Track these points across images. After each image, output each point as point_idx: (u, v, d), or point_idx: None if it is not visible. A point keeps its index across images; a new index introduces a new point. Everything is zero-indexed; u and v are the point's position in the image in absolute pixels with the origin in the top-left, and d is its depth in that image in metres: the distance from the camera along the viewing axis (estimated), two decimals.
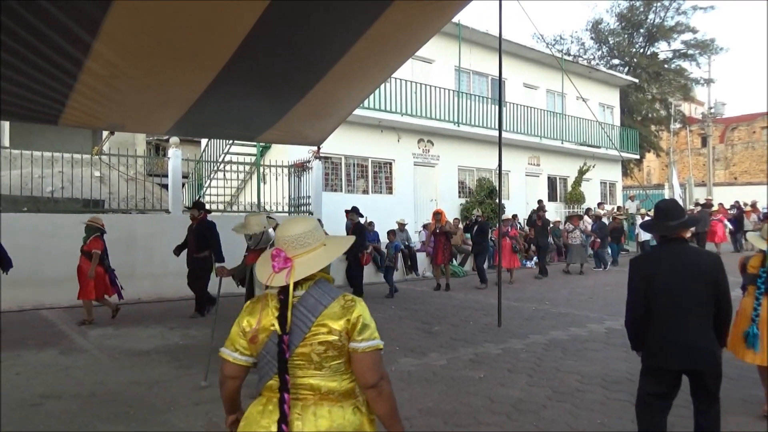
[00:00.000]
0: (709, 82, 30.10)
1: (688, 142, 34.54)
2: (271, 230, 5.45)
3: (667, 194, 24.52)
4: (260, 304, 1.91)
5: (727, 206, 21.73)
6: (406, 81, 15.26)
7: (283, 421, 1.77)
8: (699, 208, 19.31)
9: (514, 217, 14.84)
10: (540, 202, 18.41)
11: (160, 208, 10.94)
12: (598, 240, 15.14)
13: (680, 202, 22.05)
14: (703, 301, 3.14)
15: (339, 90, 6.68)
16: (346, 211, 10.75)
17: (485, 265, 12.65)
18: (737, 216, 19.55)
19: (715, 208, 19.30)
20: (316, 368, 1.83)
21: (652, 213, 16.91)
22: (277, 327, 1.82)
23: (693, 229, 17.79)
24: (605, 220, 17.42)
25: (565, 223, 14.81)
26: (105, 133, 15.59)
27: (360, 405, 1.89)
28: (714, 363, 3.16)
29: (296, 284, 1.86)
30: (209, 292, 8.20)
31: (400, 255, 12.36)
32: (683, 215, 3.40)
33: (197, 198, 14.67)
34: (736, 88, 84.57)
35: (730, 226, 18.79)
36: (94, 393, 4.85)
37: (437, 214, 11.78)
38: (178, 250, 8.31)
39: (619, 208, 20.59)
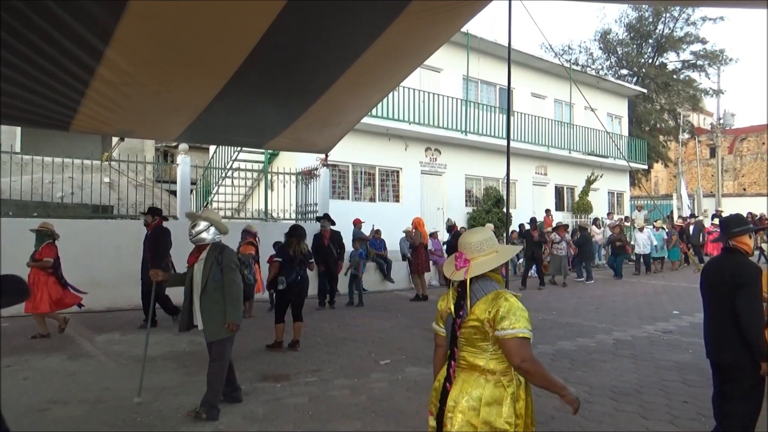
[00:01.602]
0: (718, 92, 30.03)
1: (697, 152, 34.38)
2: (212, 229, 4.68)
3: (675, 205, 24.41)
4: (448, 293, 2.49)
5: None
6: (414, 90, 15.30)
7: (448, 380, 2.38)
8: (693, 219, 19.18)
9: (521, 226, 14.82)
10: (548, 211, 18.42)
11: (168, 214, 10.97)
12: (574, 249, 14.56)
13: (688, 212, 22.01)
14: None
15: (347, 98, 6.70)
16: (335, 220, 10.49)
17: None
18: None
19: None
20: (470, 345, 2.35)
21: (656, 224, 16.90)
22: (452, 311, 2.38)
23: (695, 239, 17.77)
24: (596, 230, 17.37)
25: (551, 233, 14.42)
26: (115, 140, 15.79)
27: (505, 382, 2.32)
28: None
29: (472, 281, 2.36)
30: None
31: (407, 263, 12.31)
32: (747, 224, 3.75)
33: (205, 204, 14.75)
34: (745, 99, 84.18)
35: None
36: (101, 399, 4.85)
37: (417, 224, 11.63)
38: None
39: (626, 218, 20.45)
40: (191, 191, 12.91)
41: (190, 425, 4.28)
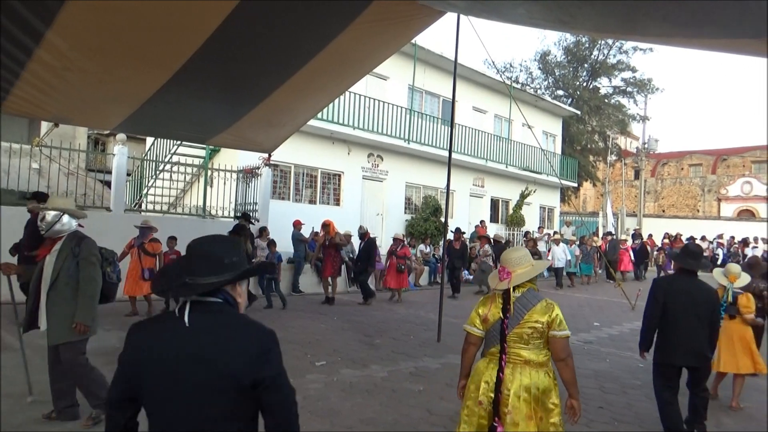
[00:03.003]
0: (644, 118, 31.86)
1: (623, 173, 36.34)
2: (66, 217, 4.16)
3: (600, 222, 25.69)
4: (491, 300, 3.05)
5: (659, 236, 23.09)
6: (360, 95, 15.44)
7: (501, 371, 2.88)
8: (610, 237, 20.02)
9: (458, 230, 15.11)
10: (482, 222, 18.95)
11: (101, 205, 10.57)
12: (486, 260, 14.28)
13: (612, 230, 23.25)
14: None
15: (295, 100, 6.73)
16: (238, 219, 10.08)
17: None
18: (641, 247, 20.43)
19: (623, 238, 20.39)
20: (525, 344, 2.90)
21: (571, 239, 17.58)
22: (500, 314, 2.92)
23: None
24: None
25: (471, 243, 14.59)
26: (45, 124, 14.99)
27: (549, 372, 2.94)
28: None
29: (513, 289, 2.95)
30: None
31: (344, 267, 12.37)
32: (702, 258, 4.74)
33: (139, 198, 14.28)
34: (668, 126, 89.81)
35: (632, 256, 19.68)
36: (25, 393, 4.65)
37: (326, 226, 11.39)
38: (15, 250, 7.16)
39: (555, 232, 21.38)
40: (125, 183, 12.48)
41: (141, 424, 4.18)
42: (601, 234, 21.82)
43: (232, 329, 1.66)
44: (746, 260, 10.57)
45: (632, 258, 19.30)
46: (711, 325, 4.42)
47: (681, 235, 23.41)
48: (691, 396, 4.63)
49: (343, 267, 12.33)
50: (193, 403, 1.60)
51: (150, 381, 1.63)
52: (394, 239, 12.63)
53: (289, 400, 1.69)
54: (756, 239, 23.19)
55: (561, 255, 16.34)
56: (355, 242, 12.51)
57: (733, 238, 24.72)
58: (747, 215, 36.03)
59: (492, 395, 2.88)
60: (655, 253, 21.42)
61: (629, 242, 20.34)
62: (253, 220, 10.66)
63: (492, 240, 14.87)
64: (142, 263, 8.54)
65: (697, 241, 21.99)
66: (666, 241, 22.23)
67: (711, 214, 37.25)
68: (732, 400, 5.54)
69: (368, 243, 11.56)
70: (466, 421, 3.03)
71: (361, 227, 12.30)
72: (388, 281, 12.18)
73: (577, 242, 17.91)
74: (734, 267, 5.56)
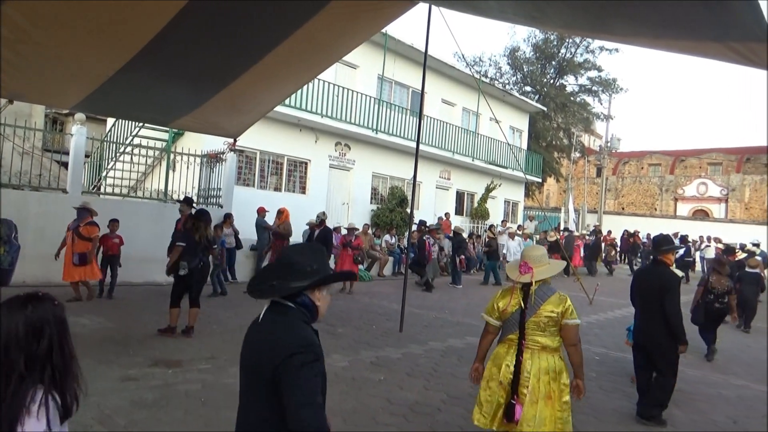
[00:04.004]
0: (608, 117, 32.52)
1: (585, 171, 37.16)
2: None
3: (563, 217, 26.23)
4: (509, 292, 3.45)
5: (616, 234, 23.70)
6: (329, 83, 15.29)
7: (520, 354, 3.30)
8: (566, 233, 20.37)
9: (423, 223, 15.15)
10: (447, 214, 19.12)
11: (57, 187, 10.19)
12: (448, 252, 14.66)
13: (573, 226, 23.77)
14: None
15: (261, 86, 6.61)
16: (182, 202, 9.18)
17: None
18: (594, 243, 20.93)
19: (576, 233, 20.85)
20: (541, 331, 3.33)
21: (525, 233, 17.92)
22: (521, 305, 3.34)
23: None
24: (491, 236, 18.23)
25: (425, 236, 14.21)
26: None
27: (561, 356, 3.38)
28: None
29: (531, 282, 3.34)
30: None
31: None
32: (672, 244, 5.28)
33: (98, 180, 13.87)
34: (630, 125, 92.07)
35: (582, 252, 20.15)
36: None
37: (279, 213, 11.18)
38: None
39: (519, 226, 21.71)
40: (84, 164, 12.08)
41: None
42: (561, 228, 22.27)
43: (279, 330, 1.86)
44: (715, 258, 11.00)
45: (582, 253, 19.77)
46: (663, 310, 4.82)
47: (638, 232, 24.07)
48: (654, 380, 5.08)
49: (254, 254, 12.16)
50: (245, 387, 1.92)
51: (240, 359, 1.97)
52: (348, 230, 12.42)
53: (297, 402, 1.74)
54: (709, 239, 24.04)
55: (516, 249, 16.42)
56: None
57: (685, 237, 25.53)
58: (701, 215, 37.31)
59: (511, 377, 3.30)
60: (605, 248, 21.97)
61: (588, 238, 20.83)
62: (196, 205, 10.32)
63: (453, 232, 15.05)
64: (74, 247, 8.09)
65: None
66: (605, 235, 23.00)
67: (668, 213, 38.43)
68: None
69: (325, 231, 11.06)
70: (488, 400, 3.41)
71: (320, 214, 11.43)
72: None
73: (535, 237, 18.19)
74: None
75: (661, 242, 5.20)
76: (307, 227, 12.08)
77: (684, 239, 20.67)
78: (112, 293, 8.82)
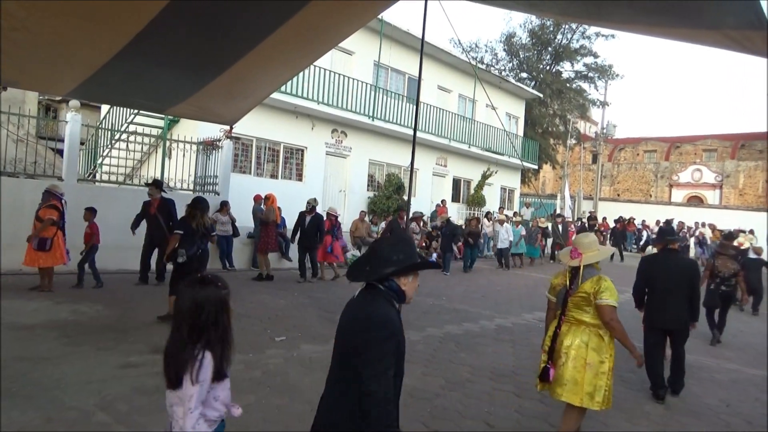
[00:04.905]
0: (604, 104, 32.50)
1: (581, 157, 37.16)
2: None
3: (559, 204, 26.29)
4: (561, 273, 4.00)
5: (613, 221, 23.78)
6: (325, 70, 15.21)
7: (558, 327, 3.84)
8: (560, 218, 20.44)
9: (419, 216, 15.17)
10: (443, 201, 19.15)
11: (52, 174, 10.15)
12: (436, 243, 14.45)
13: (569, 212, 23.84)
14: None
15: (257, 72, 6.57)
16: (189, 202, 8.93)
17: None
18: (581, 229, 20.76)
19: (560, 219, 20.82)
20: (578, 308, 3.78)
21: (515, 219, 17.90)
22: (567, 284, 3.85)
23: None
24: (486, 223, 18.26)
25: (410, 223, 14.29)
26: None
27: (601, 333, 3.75)
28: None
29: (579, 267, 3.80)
30: None
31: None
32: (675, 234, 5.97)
33: (93, 167, 13.81)
34: (626, 112, 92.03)
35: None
36: None
37: (266, 199, 11.13)
38: None
39: (515, 213, 21.76)
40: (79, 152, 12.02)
41: (73, 396, 4.10)
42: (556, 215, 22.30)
43: (364, 308, 2.12)
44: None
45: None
46: (690, 293, 5.37)
47: (634, 219, 24.20)
48: (673, 358, 5.53)
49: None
50: (334, 359, 2.18)
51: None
52: (329, 214, 11.93)
53: (368, 375, 1.97)
54: (703, 224, 24.18)
55: (504, 235, 16.50)
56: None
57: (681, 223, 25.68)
58: (696, 201, 37.48)
59: (549, 344, 3.83)
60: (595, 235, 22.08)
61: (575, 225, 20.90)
62: (194, 193, 10.32)
63: (447, 220, 15.09)
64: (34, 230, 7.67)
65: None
66: (600, 222, 23.11)
67: (663, 199, 38.56)
68: None
69: (316, 218, 11.00)
70: (539, 366, 3.95)
71: (311, 200, 11.19)
72: (325, 256, 11.63)
73: (526, 223, 18.17)
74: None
75: (666, 233, 5.84)
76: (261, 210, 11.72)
77: (679, 226, 20.81)
78: (82, 283, 8.35)
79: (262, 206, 11.93)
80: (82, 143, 12.12)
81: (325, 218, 11.43)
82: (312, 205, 11.05)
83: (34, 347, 5.18)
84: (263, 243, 10.85)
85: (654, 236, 21.91)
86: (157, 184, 9.17)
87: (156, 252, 9.13)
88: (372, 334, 2.01)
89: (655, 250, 6.33)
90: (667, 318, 5.44)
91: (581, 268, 3.77)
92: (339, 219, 12.39)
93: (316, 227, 10.92)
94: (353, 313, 2.15)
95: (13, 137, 9.47)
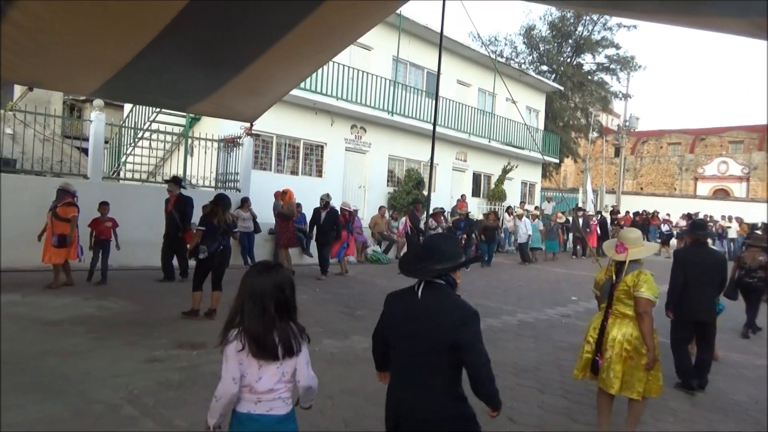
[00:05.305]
0: (626, 96, 31.96)
1: (603, 151, 36.66)
2: None
3: (581, 198, 25.98)
4: (605, 268, 4.10)
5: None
6: (344, 66, 15.23)
7: (605, 320, 3.95)
8: (580, 212, 20.02)
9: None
10: (463, 196, 19.04)
11: (78, 172, 10.34)
12: (464, 237, 14.08)
13: (591, 206, 23.52)
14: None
15: (277, 69, 6.61)
16: (170, 182, 9.27)
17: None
18: (602, 222, 20.38)
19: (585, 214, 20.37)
20: (619, 301, 3.90)
21: (533, 213, 17.63)
22: (612, 278, 3.96)
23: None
24: (507, 217, 18.07)
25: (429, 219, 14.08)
26: (18, 89, 14.54)
27: (636, 325, 3.85)
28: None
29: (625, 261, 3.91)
30: None
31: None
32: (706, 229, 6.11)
33: (117, 166, 14.03)
34: (649, 104, 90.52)
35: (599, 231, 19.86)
36: (6, 362, 4.61)
37: (283, 194, 11.02)
38: None
39: (536, 208, 21.56)
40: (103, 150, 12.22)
41: (101, 390, 4.19)
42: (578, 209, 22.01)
43: (445, 303, 2.35)
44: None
45: (599, 233, 19.41)
46: (720, 286, 5.53)
47: (658, 212, 23.80)
48: (701, 351, 5.60)
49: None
50: (417, 348, 2.33)
51: (394, 328, 2.45)
52: (343, 209, 11.89)
53: (481, 361, 2.28)
54: (729, 218, 23.70)
55: (523, 230, 16.32)
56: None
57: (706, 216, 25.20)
58: (722, 194, 36.73)
59: (595, 336, 3.98)
60: (611, 228, 21.68)
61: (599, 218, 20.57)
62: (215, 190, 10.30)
63: (466, 215, 14.95)
64: (54, 228, 7.85)
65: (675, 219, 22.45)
66: (622, 216, 22.67)
67: (687, 193, 37.88)
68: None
69: (332, 213, 10.93)
70: (580, 357, 4.10)
71: (324, 196, 11.18)
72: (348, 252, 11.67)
73: (541, 217, 17.93)
74: None
75: (698, 227, 5.96)
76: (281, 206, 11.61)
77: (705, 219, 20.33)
78: (106, 278, 8.42)
79: (280, 202, 12.01)
80: (106, 142, 12.33)
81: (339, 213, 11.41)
82: (326, 200, 11.03)
83: (62, 342, 5.29)
84: (282, 238, 10.87)
85: (678, 231, 21.58)
86: (176, 181, 9.23)
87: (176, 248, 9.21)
88: (473, 326, 2.29)
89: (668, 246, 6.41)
90: (698, 310, 5.48)
91: (627, 262, 3.88)
92: (356, 213, 12.37)
93: (331, 223, 10.88)
94: (434, 309, 2.32)
95: (39, 137, 9.65)
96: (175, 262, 9.22)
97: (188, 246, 8.67)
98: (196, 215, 8.89)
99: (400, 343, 2.41)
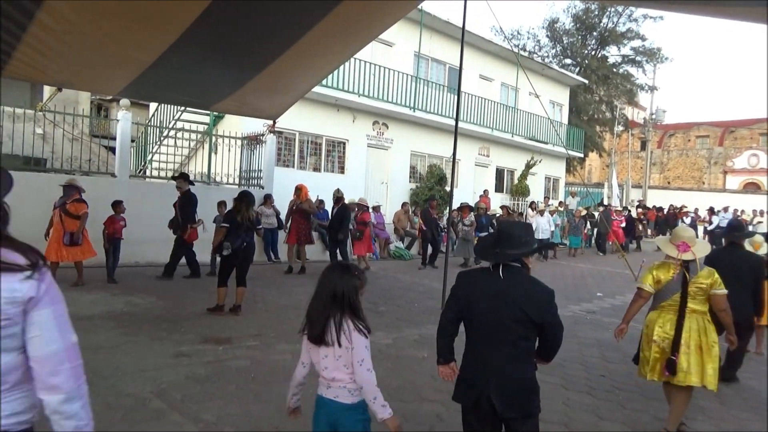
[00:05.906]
0: (652, 89, 31.39)
1: (629, 144, 36.08)
2: None
3: (606, 193, 25.62)
4: (665, 266, 4.12)
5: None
6: (365, 62, 15.22)
7: (681, 318, 3.97)
8: (602, 208, 19.57)
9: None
10: (486, 192, 18.93)
11: (105, 171, 10.55)
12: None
13: (617, 201, 23.16)
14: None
15: (299, 67, 6.63)
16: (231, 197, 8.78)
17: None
18: (629, 218, 20.16)
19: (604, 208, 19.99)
20: (692, 298, 4.00)
21: (551, 209, 17.31)
22: (685, 276, 3.98)
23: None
24: (531, 213, 17.85)
25: (453, 213, 13.10)
26: (47, 89, 14.89)
27: (707, 318, 4.07)
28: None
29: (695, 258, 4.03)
30: None
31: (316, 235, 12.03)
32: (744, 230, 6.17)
33: (144, 164, 14.27)
34: (676, 96, 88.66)
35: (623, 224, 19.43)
36: None
37: (298, 190, 10.82)
38: None
39: (560, 203, 21.32)
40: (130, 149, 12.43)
41: (130, 384, 4.27)
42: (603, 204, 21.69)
43: (528, 285, 2.63)
44: None
45: (623, 229, 18.96)
46: (755, 287, 5.45)
47: (685, 206, 23.33)
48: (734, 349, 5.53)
49: (316, 235, 12.03)
50: (502, 322, 2.56)
51: (476, 303, 2.64)
52: (359, 206, 11.81)
53: (560, 333, 2.68)
54: (761, 212, 23.11)
55: (545, 226, 16.03)
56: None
57: (735, 210, 24.63)
58: (753, 188, 35.82)
59: (665, 336, 4.03)
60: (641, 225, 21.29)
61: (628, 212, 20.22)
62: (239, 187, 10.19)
63: (485, 210, 14.72)
64: (65, 226, 7.69)
65: (703, 213, 21.98)
66: (640, 210, 22.33)
67: (716, 187, 37.04)
68: (757, 347, 6.60)
69: (342, 209, 10.69)
70: (646, 358, 4.16)
71: (336, 192, 10.92)
72: (361, 249, 11.61)
73: (565, 212, 17.68)
74: (758, 237, 6.45)
75: (735, 228, 5.96)
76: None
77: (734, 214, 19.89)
78: (113, 276, 8.31)
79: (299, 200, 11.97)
80: (132, 140, 12.54)
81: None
82: (336, 195, 10.81)
83: (93, 337, 5.40)
84: (299, 234, 10.68)
85: (705, 225, 21.11)
86: (184, 177, 9.14)
87: (193, 245, 9.18)
88: (553, 303, 2.61)
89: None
90: (734, 311, 5.33)
91: (697, 260, 4.02)
92: (374, 209, 12.24)
93: (339, 219, 10.59)
94: (520, 290, 2.58)
95: (68, 136, 9.87)
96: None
97: (183, 243, 8.85)
98: (200, 213, 9.03)
99: (483, 317, 2.61)
